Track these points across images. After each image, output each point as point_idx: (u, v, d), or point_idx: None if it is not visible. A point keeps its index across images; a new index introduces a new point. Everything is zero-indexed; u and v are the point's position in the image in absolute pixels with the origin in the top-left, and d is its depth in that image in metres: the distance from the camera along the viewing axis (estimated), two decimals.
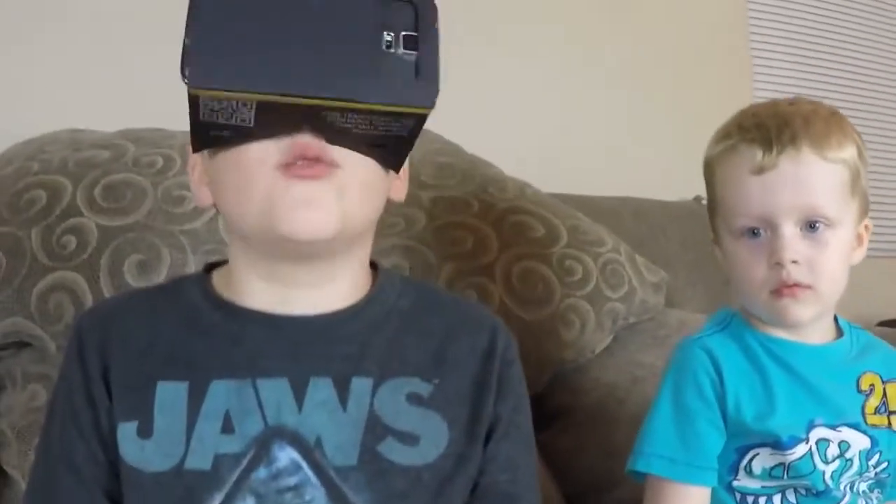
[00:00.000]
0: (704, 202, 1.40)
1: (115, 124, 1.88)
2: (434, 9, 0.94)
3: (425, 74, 0.93)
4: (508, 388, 1.12)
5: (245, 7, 0.91)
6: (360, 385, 1.04)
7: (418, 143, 1.92)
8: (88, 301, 1.58)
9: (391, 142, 0.99)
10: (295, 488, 1.00)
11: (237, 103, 0.93)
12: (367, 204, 1.05)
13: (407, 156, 1.06)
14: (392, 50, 0.92)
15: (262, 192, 0.99)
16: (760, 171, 1.24)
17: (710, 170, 1.34)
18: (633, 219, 2.05)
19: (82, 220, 1.63)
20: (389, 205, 1.13)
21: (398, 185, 1.13)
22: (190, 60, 0.90)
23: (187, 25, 0.90)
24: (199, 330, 1.07)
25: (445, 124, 2.01)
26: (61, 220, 1.62)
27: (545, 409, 1.78)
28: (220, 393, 1.03)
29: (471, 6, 2.22)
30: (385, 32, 0.92)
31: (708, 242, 1.39)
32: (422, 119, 0.96)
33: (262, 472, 1.00)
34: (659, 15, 2.42)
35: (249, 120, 0.95)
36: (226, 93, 0.91)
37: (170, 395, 1.03)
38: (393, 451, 1.03)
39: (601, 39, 2.32)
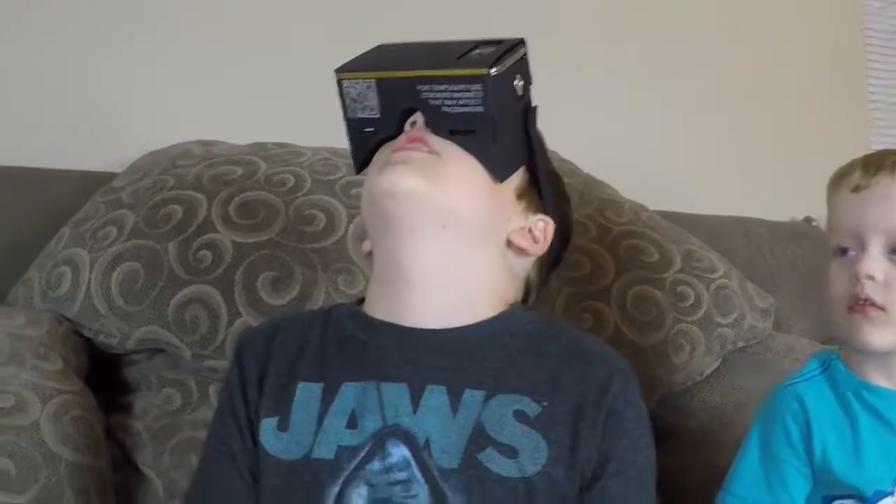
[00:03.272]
0: (815, 223, 1.43)
1: (241, 133, 1.95)
2: (520, 41, 1.24)
3: (489, 55, 1.19)
4: (621, 428, 1.17)
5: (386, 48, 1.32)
6: (472, 396, 1.15)
7: None
8: (223, 314, 1.66)
9: (476, 125, 1.20)
10: (403, 483, 1.12)
11: (364, 87, 1.26)
12: (461, 192, 1.20)
13: (501, 166, 1.22)
14: (476, 51, 1.21)
15: (378, 166, 1.23)
16: (857, 188, 1.29)
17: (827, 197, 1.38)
18: (744, 239, 2.07)
19: (217, 236, 1.70)
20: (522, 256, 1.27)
21: (527, 239, 1.26)
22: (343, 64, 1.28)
23: None
24: (339, 339, 1.21)
25: (555, 143, 2.08)
26: (197, 236, 1.70)
27: (652, 429, 1.83)
28: (349, 394, 1.17)
29: (579, 27, 2.24)
30: (475, 48, 1.22)
31: (817, 265, 1.42)
32: (488, 92, 1.17)
33: (375, 465, 1.13)
34: (772, 35, 2.42)
35: (376, 108, 1.26)
36: (354, 73, 1.26)
37: (307, 394, 1.19)
38: (492, 460, 1.12)
39: (711, 56, 2.33)
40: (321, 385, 1.17)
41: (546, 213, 1.28)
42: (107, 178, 1.92)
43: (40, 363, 1.62)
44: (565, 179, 1.90)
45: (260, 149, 1.88)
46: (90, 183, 1.91)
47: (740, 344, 1.88)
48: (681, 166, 2.19)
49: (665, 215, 1.97)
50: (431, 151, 1.20)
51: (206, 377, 1.71)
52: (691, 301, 1.80)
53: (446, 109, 1.20)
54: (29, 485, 1.49)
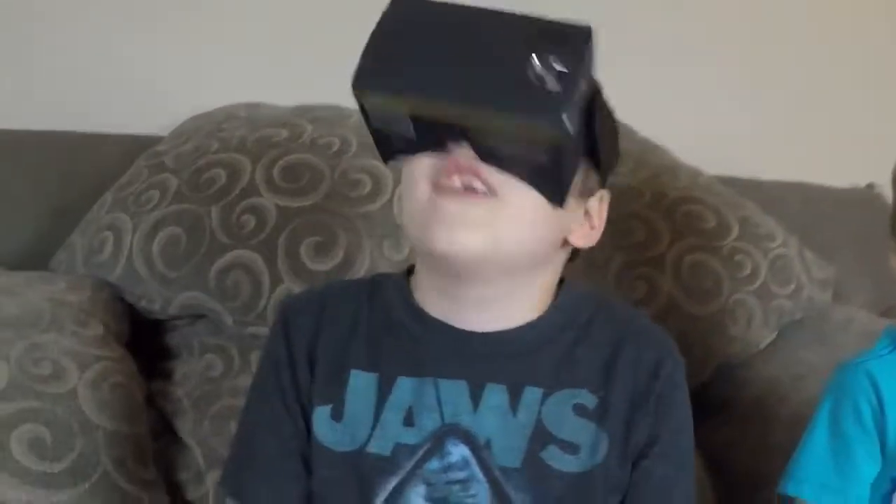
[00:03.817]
0: (878, 190, 1.37)
1: (288, 95, 1.91)
2: (587, 39, 0.98)
3: (562, 101, 0.96)
4: (669, 411, 1.14)
5: (410, 27, 1.01)
6: (531, 394, 1.11)
7: None
8: (265, 280, 1.64)
9: (539, 169, 1.02)
10: (462, 482, 1.10)
11: (393, 113, 1.04)
12: (525, 235, 1.07)
13: (566, 191, 1.06)
14: (538, 72, 0.96)
15: (419, 207, 1.06)
16: None
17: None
18: (801, 206, 2.00)
19: (261, 199, 1.67)
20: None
21: (585, 232, 1.16)
22: (359, 69, 1.01)
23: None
24: (392, 328, 1.15)
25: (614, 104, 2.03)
26: (240, 199, 1.68)
27: (706, 401, 1.77)
28: (406, 389, 1.12)
29: None
30: (534, 56, 0.96)
31: (879, 234, 1.37)
32: (558, 149, 1.00)
33: (434, 464, 1.10)
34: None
35: (410, 130, 1.04)
36: (380, 96, 1.04)
37: (362, 383, 1.13)
38: (554, 457, 1.10)
39: (770, 16, 2.26)
40: (376, 375, 1.13)
41: (603, 185, 1.18)
42: (152, 142, 1.90)
43: (80, 329, 1.60)
44: (622, 144, 1.87)
45: (306, 111, 1.84)
46: (136, 147, 1.89)
47: (798, 315, 1.83)
48: (738, 131, 2.12)
49: (722, 181, 1.92)
50: (489, 190, 1.03)
51: (247, 343, 1.68)
52: (748, 271, 1.74)
53: (504, 146, 1.02)
54: (64, 453, 1.47)
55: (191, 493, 1.61)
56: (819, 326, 1.83)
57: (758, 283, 1.75)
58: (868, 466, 1.26)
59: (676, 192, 1.78)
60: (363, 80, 1.01)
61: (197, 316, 1.73)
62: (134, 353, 1.71)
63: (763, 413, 1.70)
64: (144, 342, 1.78)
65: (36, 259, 1.83)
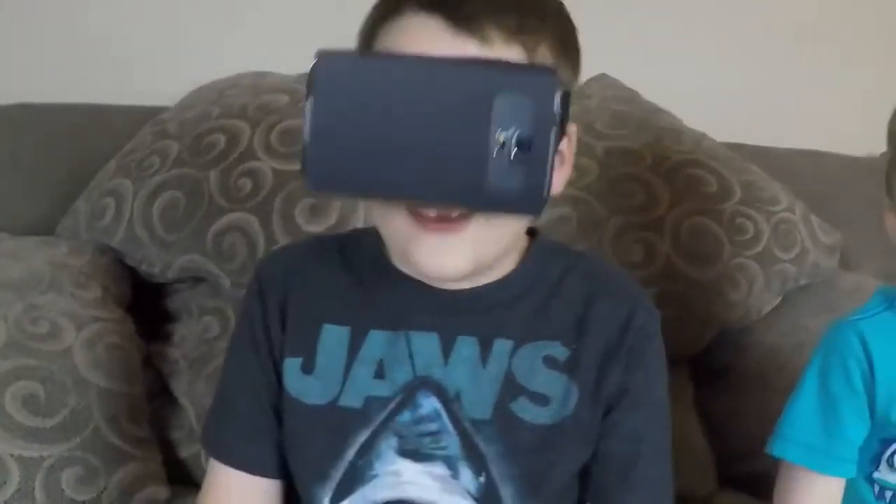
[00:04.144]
0: None
1: (300, 66, 1.91)
2: (550, 104, 0.89)
3: (533, 180, 0.90)
4: (640, 362, 1.13)
5: (356, 110, 0.91)
6: (502, 346, 1.11)
7: (595, 89, 1.91)
8: (261, 242, 1.65)
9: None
10: (433, 434, 1.10)
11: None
12: (506, 239, 1.07)
13: (545, 202, 0.98)
14: (503, 151, 0.89)
15: (397, 230, 1.04)
16: None
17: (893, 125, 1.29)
18: (815, 174, 1.95)
19: (258, 163, 1.68)
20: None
21: (560, 177, 1.09)
22: (305, 167, 0.93)
23: (304, 128, 0.92)
24: (365, 284, 1.15)
25: (622, 68, 2.01)
26: (238, 163, 1.69)
27: (706, 367, 1.77)
28: (377, 342, 1.12)
29: None
30: (497, 131, 0.89)
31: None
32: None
33: (406, 416, 1.11)
34: None
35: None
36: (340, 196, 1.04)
37: (333, 337, 1.14)
38: (524, 409, 1.10)
39: None
40: (348, 329, 1.13)
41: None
42: (162, 112, 1.92)
43: (78, 291, 1.63)
44: (623, 108, 1.86)
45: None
46: (146, 118, 1.91)
47: (803, 281, 1.79)
48: (751, 97, 2.09)
49: (733, 147, 1.88)
50: (463, 217, 1.01)
51: None
52: (750, 234, 1.71)
53: None
54: (58, 409, 1.50)
55: (183, 451, 1.64)
56: (825, 293, 1.79)
57: (760, 247, 1.71)
58: (856, 427, 1.24)
59: (679, 155, 1.75)
60: (314, 183, 0.94)
61: (197, 279, 1.75)
62: (137, 317, 1.74)
63: (764, 380, 1.67)
64: (148, 306, 1.80)
65: (50, 226, 1.87)
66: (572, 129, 1.09)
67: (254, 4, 2.11)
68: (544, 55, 1.00)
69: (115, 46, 2.11)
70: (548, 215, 1.67)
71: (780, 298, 1.77)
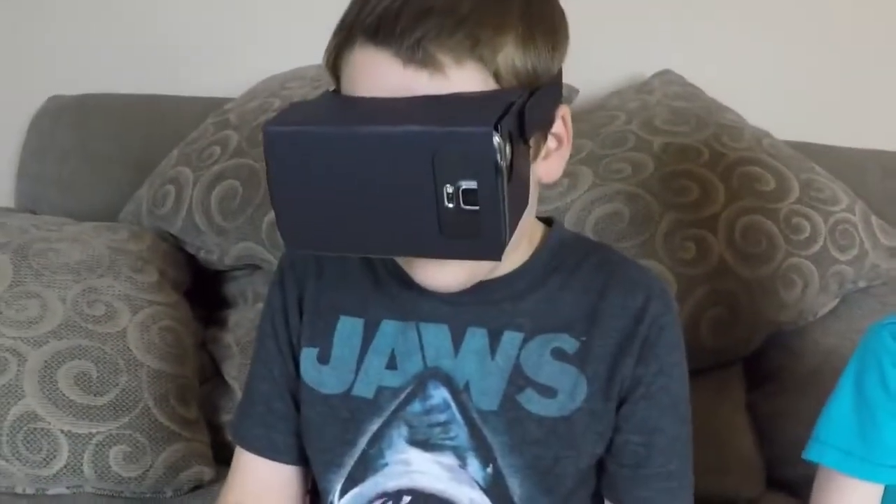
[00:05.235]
0: None
1: None
2: (488, 155, 0.88)
3: (488, 227, 0.91)
4: (653, 353, 1.11)
5: (310, 179, 0.93)
6: (511, 338, 1.11)
7: (657, 85, 1.90)
8: None
9: None
10: (443, 424, 1.11)
11: None
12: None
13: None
14: (452, 205, 0.90)
15: None
16: None
17: None
18: (882, 174, 1.90)
19: None
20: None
21: (558, 160, 1.10)
22: (279, 229, 0.98)
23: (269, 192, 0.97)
24: (379, 276, 1.16)
25: (687, 65, 1.99)
26: None
27: (758, 369, 1.74)
28: (389, 332, 1.14)
29: None
30: (445, 187, 0.90)
31: None
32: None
33: (416, 406, 1.12)
34: None
35: None
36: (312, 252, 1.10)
37: (348, 328, 1.16)
38: (531, 401, 1.10)
39: None
40: (362, 321, 1.15)
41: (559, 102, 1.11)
42: (225, 103, 1.96)
43: (135, 275, 1.68)
44: (684, 104, 1.84)
45: None
46: (213, 108, 1.97)
47: (861, 283, 1.75)
48: (818, 95, 2.04)
49: (797, 146, 1.85)
50: None
51: None
52: (806, 234, 1.67)
53: None
54: (109, 388, 1.55)
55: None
56: (885, 296, 1.75)
57: (816, 247, 1.67)
58: (893, 433, 1.19)
59: (737, 152, 1.72)
60: (291, 243, 0.99)
61: (255, 266, 1.78)
62: (197, 302, 1.78)
63: (818, 383, 1.62)
64: (208, 292, 1.84)
65: (115, 213, 1.93)
66: (562, 110, 1.08)
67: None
68: (510, 55, 0.98)
69: (180, 39, 2.17)
70: (601, 210, 1.67)
71: (836, 300, 1.73)
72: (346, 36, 1.00)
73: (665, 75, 1.97)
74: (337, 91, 1.03)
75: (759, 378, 1.73)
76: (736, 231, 1.65)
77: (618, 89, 2.01)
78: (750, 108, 1.93)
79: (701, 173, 1.70)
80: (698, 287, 1.62)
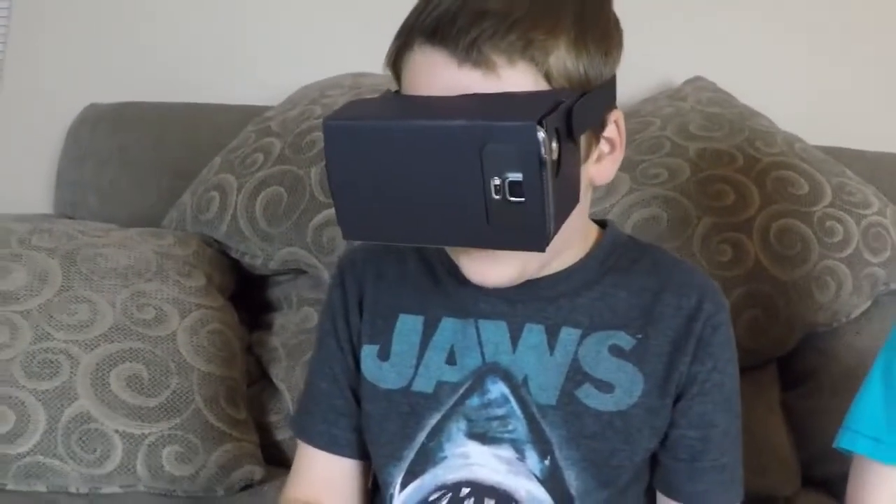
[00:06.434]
0: None
1: None
2: (534, 149, 0.92)
3: (532, 218, 0.95)
4: (708, 351, 1.14)
5: (365, 172, 0.98)
6: (569, 334, 1.14)
7: (689, 91, 1.93)
8: None
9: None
10: (501, 418, 1.13)
11: None
12: (552, 247, 1.04)
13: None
14: (499, 196, 0.94)
15: None
16: None
17: None
18: None
19: None
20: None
21: (610, 164, 1.12)
22: (338, 219, 1.02)
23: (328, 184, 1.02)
24: (437, 275, 1.20)
25: (719, 71, 2.02)
26: None
27: (793, 369, 1.77)
28: (448, 329, 1.17)
29: None
30: (493, 179, 0.94)
31: None
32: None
33: (475, 401, 1.15)
34: None
35: None
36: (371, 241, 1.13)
37: (408, 326, 1.19)
38: (589, 396, 1.12)
39: None
40: (421, 318, 1.19)
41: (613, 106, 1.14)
42: (265, 111, 1.99)
43: (183, 280, 1.71)
44: (717, 110, 1.87)
45: None
46: (250, 116, 2.00)
47: (893, 285, 1.78)
48: (849, 100, 2.07)
49: (828, 150, 1.88)
50: None
51: None
52: (840, 237, 1.71)
53: None
54: (160, 390, 1.58)
55: (279, 434, 1.71)
56: None
57: (849, 249, 1.70)
58: None
59: (770, 157, 1.76)
60: (349, 233, 1.03)
61: (299, 271, 1.82)
62: (241, 306, 1.81)
63: (851, 383, 1.63)
64: (252, 296, 1.88)
65: (157, 219, 1.96)
66: (615, 115, 1.11)
67: (353, 6, 2.16)
68: (562, 58, 1.01)
69: (221, 48, 2.21)
70: (639, 215, 1.70)
71: (870, 302, 1.76)
72: (406, 38, 1.04)
73: (696, 82, 2.00)
74: (397, 92, 1.07)
75: (793, 378, 1.76)
76: (771, 234, 1.68)
77: (647, 96, 2.05)
78: (779, 114, 1.95)
79: (736, 178, 1.73)
80: (735, 289, 1.65)
